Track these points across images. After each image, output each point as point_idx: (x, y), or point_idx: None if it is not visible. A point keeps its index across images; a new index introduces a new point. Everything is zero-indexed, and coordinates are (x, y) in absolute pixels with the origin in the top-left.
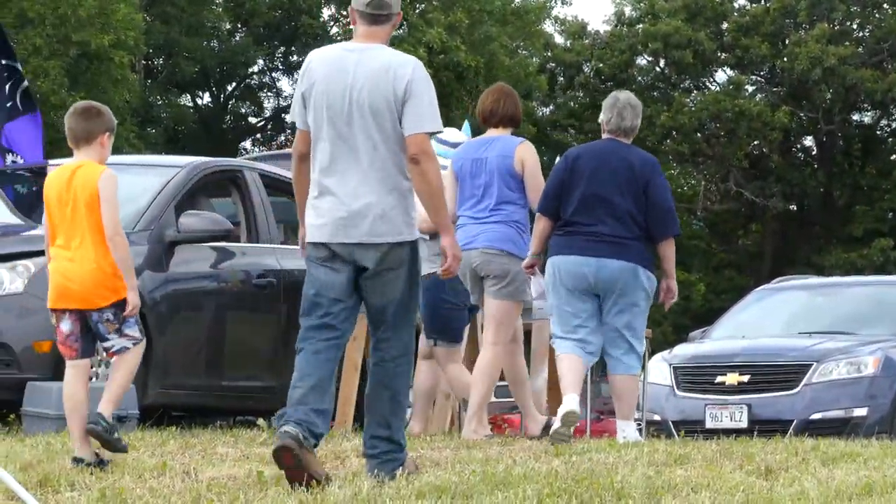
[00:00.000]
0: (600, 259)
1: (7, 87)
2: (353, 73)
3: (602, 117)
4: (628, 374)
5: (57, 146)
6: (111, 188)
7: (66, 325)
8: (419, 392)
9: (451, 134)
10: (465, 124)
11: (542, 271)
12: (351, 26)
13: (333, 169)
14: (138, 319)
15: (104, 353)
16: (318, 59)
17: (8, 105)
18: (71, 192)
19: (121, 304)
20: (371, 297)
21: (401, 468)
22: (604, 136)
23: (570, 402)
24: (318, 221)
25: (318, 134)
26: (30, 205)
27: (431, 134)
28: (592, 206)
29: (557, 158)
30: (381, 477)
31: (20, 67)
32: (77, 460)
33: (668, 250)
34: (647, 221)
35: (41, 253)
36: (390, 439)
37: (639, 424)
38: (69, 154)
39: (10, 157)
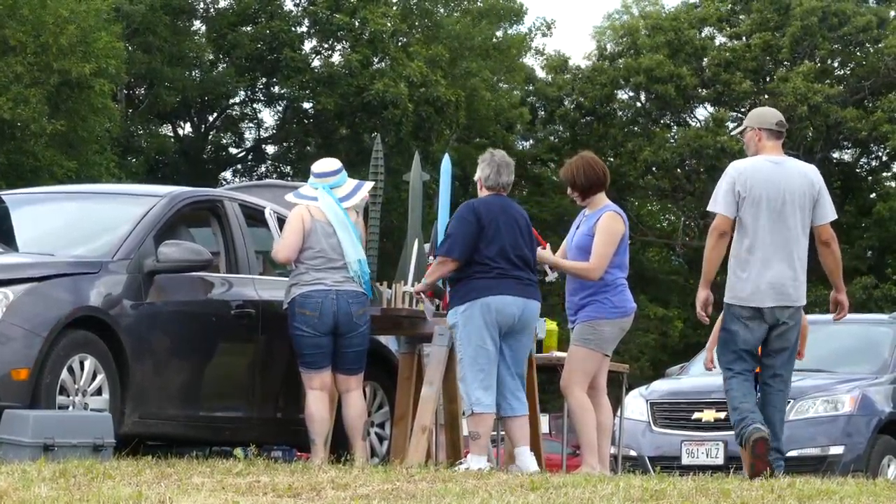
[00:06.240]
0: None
1: None
2: (782, 180)
3: (479, 173)
4: None
5: (36, 174)
6: None
7: None
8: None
9: (319, 165)
10: (446, 158)
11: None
12: (743, 138)
13: (765, 250)
14: None
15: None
16: (750, 169)
17: None
18: None
19: None
20: (777, 343)
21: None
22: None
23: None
24: (747, 287)
25: (754, 223)
26: None
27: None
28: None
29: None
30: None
31: None
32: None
33: None
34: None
35: (20, 280)
36: (778, 449)
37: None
38: (46, 182)
39: None
